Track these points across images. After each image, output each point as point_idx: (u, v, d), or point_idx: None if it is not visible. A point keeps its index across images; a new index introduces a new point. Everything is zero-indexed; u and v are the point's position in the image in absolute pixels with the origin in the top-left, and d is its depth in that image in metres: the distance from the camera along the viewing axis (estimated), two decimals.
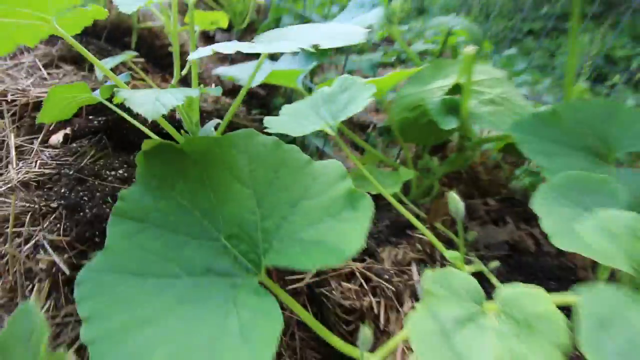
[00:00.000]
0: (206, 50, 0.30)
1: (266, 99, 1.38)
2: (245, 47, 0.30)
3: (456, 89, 0.71)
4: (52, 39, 0.71)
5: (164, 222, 0.39)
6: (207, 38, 1.32)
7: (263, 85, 1.27)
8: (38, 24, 0.34)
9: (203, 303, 0.34)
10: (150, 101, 0.34)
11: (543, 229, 0.48)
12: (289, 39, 0.36)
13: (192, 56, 0.30)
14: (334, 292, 0.56)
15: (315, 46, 0.31)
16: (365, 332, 0.41)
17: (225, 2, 1.39)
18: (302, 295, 0.59)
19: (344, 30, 0.34)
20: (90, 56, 0.40)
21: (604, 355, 0.23)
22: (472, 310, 0.37)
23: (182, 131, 0.48)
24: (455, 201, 0.52)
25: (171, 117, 0.61)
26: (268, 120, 0.59)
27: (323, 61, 0.91)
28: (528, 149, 0.58)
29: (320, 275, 0.59)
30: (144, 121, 0.48)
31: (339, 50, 1.56)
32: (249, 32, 1.54)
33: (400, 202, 0.70)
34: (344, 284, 0.57)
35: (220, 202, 0.40)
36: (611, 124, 0.60)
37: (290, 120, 0.61)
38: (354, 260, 0.62)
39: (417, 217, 0.69)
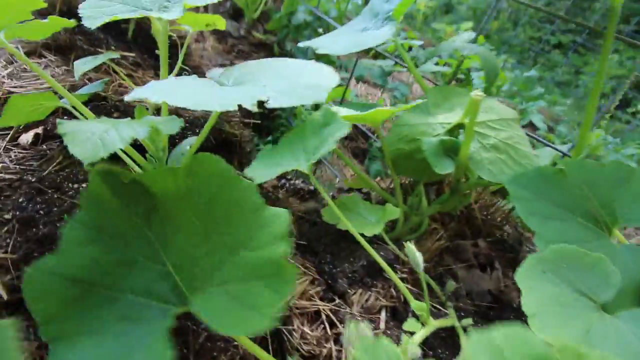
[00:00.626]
0: (142, 93, 0.26)
1: None
2: (181, 99, 0.26)
3: (459, 126, 0.66)
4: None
5: (119, 237, 0.37)
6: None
7: None
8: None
9: (135, 326, 0.34)
10: (92, 140, 0.31)
11: (523, 306, 0.44)
12: (248, 83, 0.32)
13: (127, 98, 0.27)
14: (294, 333, 0.53)
15: (262, 102, 0.27)
16: None
17: None
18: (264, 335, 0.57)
19: (310, 82, 0.30)
20: (41, 73, 0.36)
21: None
22: None
23: (147, 155, 0.45)
24: (413, 254, 0.49)
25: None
26: (250, 170, 0.56)
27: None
28: (522, 208, 0.54)
29: (286, 311, 0.57)
30: None
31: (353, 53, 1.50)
32: (261, 21, 1.48)
33: (382, 240, 0.67)
34: (306, 328, 0.54)
35: (173, 230, 0.38)
36: (621, 192, 0.55)
37: (277, 154, 0.58)
38: (322, 299, 0.59)
39: (397, 258, 0.65)
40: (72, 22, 0.38)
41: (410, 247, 0.52)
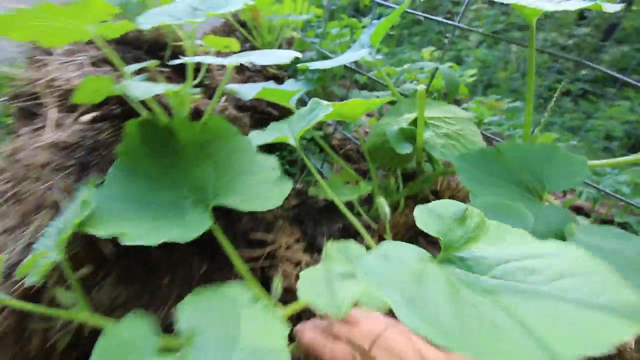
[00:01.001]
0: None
1: (278, 119, 1.54)
2: (210, 59, 0.43)
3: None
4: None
5: (149, 173, 0.53)
6: None
7: (276, 106, 1.43)
8: (80, 29, 0.50)
9: (165, 218, 0.49)
10: (142, 88, 0.48)
11: None
12: (243, 57, 0.49)
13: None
14: (278, 272, 0.65)
15: (252, 62, 0.44)
16: (276, 284, 0.51)
17: (257, 34, 1.60)
18: (255, 275, 0.69)
19: (277, 55, 0.47)
20: (114, 57, 0.55)
21: (380, 275, 0.33)
22: (353, 270, 0.46)
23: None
24: (382, 206, 0.62)
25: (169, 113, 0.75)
26: (252, 134, 0.73)
27: (316, 87, 1.05)
28: (464, 176, 0.66)
29: (273, 260, 0.69)
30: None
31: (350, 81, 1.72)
32: None
33: (359, 214, 0.79)
34: (288, 268, 0.66)
35: (190, 166, 0.54)
36: (546, 165, 0.67)
37: (268, 132, 0.75)
38: (304, 252, 0.71)
39: (369, 227, 0.77)
40: (135, 24, 0.57)
41: (380, 199, 0.65)
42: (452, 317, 0.30)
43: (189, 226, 0.49)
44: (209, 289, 0.44)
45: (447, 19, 0.95)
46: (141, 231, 0.47)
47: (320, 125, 1.44)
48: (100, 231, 0.46)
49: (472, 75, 2.68)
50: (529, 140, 0.79)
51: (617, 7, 0.62)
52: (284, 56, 0.47)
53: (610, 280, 0.35)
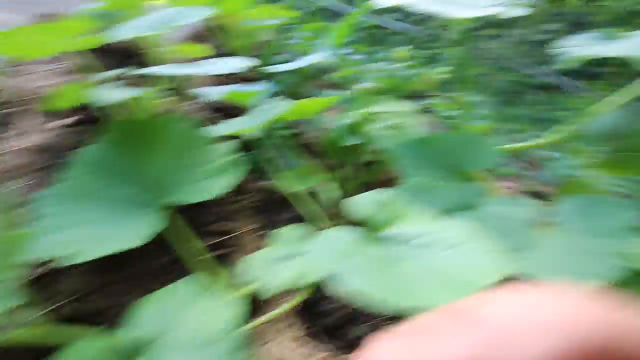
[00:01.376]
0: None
1: None
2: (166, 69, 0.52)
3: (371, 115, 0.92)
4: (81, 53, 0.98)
5: (109, 169, 0.60)
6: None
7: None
8: (65, 42, 0.59)
9: (119, 218, 0.55)
10: (110, 94, 0.57)
11: None
12: (199, 68, 0.59)
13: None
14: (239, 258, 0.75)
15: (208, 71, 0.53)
16: (236, 270, 0.60)
17: (232, 38, 1.70)
18: (218, 261, 0.78)
19: (227, 65, 0.57)
20: (92, 66, 0.64)
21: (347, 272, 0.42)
22: (294, 252, 0.56)
23: None
24: (329, 191, 0.72)
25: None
26: (219, 126, 0.82)
27: (285, 88, 1.15)
28: (400, 162, 0.77)
29: (235, 247, 0.79)
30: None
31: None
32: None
33: (316, 202, 0.89)
34: (248, 253, 0.76)
35: (149, 162, 0.62)
36: (465, 150, 0.78)
37: (232, 123, 0.84)
38: (264, 238, 0.81)
39: (324, 212, 0.87)
40: (98, 40, 0.66)
41: (328, 185, 0.74)
42: (380, 277, 0.41)
43: (132, 232, 0.50)
44: (160, 291, 0.47)
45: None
46: (79, 246, 0.48)
47: (292, 124, 1.54)
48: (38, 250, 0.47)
49: (444, 73, 2.80)
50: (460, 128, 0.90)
51: (522, 11, 0.74)
52: (234, 65, 0.57)
53: (483, 244, 0.46)
